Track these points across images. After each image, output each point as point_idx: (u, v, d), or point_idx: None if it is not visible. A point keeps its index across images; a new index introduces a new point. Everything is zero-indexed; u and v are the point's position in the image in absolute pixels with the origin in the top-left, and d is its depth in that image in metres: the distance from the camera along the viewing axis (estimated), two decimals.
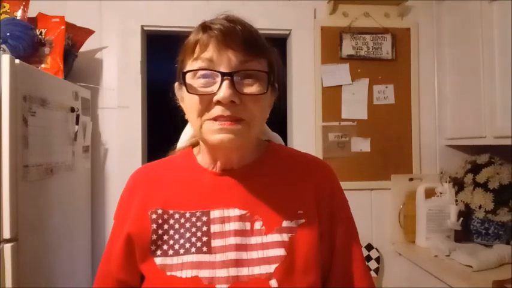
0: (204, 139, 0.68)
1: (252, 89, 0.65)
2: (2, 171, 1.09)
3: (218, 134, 0.64)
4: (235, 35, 0.64)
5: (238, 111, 0.64)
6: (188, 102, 0.68)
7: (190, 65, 0.67)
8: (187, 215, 0.70)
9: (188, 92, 0.66)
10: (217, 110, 0.64)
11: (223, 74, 0.63)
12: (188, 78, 0.66)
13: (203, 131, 0.66)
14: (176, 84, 0.73)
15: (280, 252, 0.66)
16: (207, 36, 0.65)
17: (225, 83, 0.63)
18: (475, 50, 1.73)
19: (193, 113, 0.66)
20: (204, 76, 0.65)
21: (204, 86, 0.65)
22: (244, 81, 0.65)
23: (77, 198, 1.64)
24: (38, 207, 1.25)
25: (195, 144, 0.81)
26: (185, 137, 0.86)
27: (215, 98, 0.63)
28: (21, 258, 1.12)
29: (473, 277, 1.44)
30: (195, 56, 0.66)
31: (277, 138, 0.90)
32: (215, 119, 0.64)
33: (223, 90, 0.62)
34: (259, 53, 0.67)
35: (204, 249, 0.67)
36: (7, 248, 1.08)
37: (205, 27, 0.66)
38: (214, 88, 0.64)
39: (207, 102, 0.65)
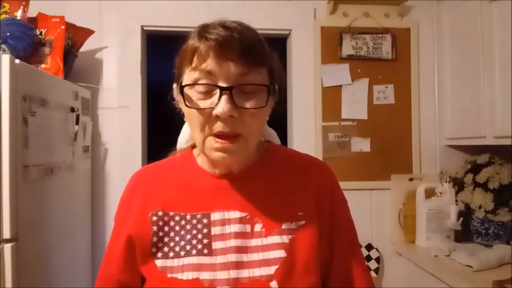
0: (204, 153, 0.69)
1: (251, 103, 0.64)
2: (2, 171, 1.09)
3: (218, 152, 0.65)
4: (233, 44, 0.63)
5: (236, 125, 0.64)
6: (188, 114, 0.67)
7: (189, 74, 0.66)
8: (188, 217, 0.70)
9: (186, 106, 0.65)
10: (217, 126, 0.64)
11: (222, 89, 0.62)
12: (186, 88, 0.65)
13: (205, 146, 0.67)
14: (174, 85, 0.73)
15: (280, 254, 0.66)
16: (205, 46, 0.63)
17: (224, 97, 0.62)
18: (475, 50, 1.73)
19: (196, 127, 0.66)
20: (202, 88, 0.64)
21: (202, 98, 0.65)
22: (242, 95, 0.64)
23: (77, 198, 1.64)
24: (38, 207, 1.25)
25: (194, 145, 0.81)
26: (184, 136, 0.86)
27: (214, 112, 0.63)
28: (21, 258, 1.12)
29: (473, 277, 1.44)
30: (193, 65, 0.65)
31: (272, 134, 0.90)
32: (216, 135, 0.64)
33: (221, 105, 0.62)
34: (259, 62, 0.65)
35: (205, 251, 0.67)
36: (7, 248, 1.08)
37: (202, 35, 0.64)
38: (213, 100, 0.63)
39: (206, 115, 0.64)
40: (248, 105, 0.64)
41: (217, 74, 0.63)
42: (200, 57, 0.64)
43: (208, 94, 0.64)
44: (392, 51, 1.99)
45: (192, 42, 0.66)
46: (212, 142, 0.65)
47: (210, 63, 0.63)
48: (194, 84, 0.64)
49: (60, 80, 1.52)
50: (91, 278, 1.70)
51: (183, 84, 0.66)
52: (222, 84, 0.63)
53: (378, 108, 2.00)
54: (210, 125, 0.64)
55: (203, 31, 0.65)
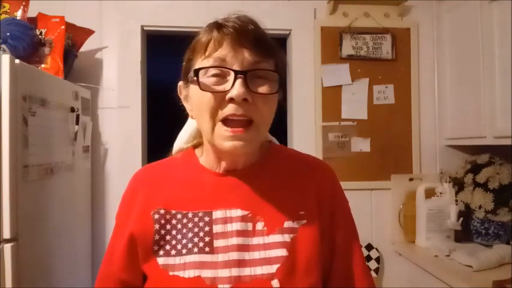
0: (214, 144, 0.68)
1: (263, 88, 0.66)
2: (2, 171, 1.08)
3: (230, 141, 0.65)
4: (249, 34, 0.65)
5: (249, 110, 0.65)
6: (199, 101, 0.67)
7: (201, 63, 0.67)
8: (190, 215, 0.70)
9: (201, 89, 0.65)
10: (230, 108, 0.64)
11: (236, 72, 0.64)
12: (199, 75, 0.66)
13: (215, 135, 0.67)
14: (181, 83, 0.74)
15: (282, 252, 0.66)
16: (221, 34, 0.65)
17: (239, 81, 0.63)
18: (475, 50, 1.73)
19: (205, 113, 0.66)
20: (215, 74, 0.65)
21: (215, 84, 0.65)
22: (255, 81, 0.66)
23: (77, 198, 1.64)
24: (38, 207, 1.25)
25: (196, 146, 0.81)
26: (184, 137, 0.85)
27: (228, 96, 0.64)
28: (21, 258, 1.12)
29: (473, 277, 1.44)
30: (207, 54, 0.66)
31: (272, 139, 0.90)
32: (226, 122, 0.65)
33: (236, 88, 0.63)
34: (270, 53, 0.68)
35: (207, 249, 0.67)
36: (7, 248, 1.08)
37: (219, 25, 0.67)
38: (226, 86, 0.64)
39: (219, 100, 0.65)
40: (261, 90, 0.65)
41: (232, 60, 0.65)
42: (215, 45, 0.66)
43: (221, 80, 0.65)
44: (392, 51, 2.00)
45: (206, 34, 0.68)
46: (222, 131, 0.65)
47: (225, 50, 0.65)
48: (209, 67, 0.65)
49: (60, 80, 1.52)
50: (91, 278, 1.70)
51: (198, 67, 0.66)
52: (236, 68, 0.64)
53: (378, 108, 2.00)
54: (222, 109, 0.65)
55: (220, 22, 0.67)
